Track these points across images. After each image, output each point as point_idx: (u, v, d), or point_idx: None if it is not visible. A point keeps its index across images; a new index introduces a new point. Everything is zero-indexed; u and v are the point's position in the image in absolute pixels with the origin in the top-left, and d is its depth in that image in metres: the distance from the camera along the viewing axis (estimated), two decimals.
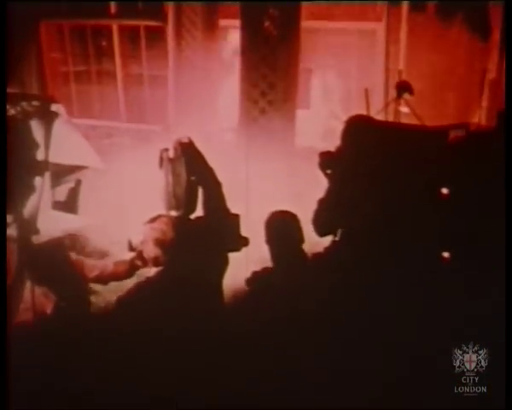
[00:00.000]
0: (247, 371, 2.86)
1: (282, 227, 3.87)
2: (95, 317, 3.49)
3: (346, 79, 7.74)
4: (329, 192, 3.90)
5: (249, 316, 3.35)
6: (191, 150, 3.85)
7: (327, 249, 3.83)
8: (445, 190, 3.55)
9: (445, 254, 3.38)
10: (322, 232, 3.87)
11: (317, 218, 3.87)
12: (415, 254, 3.41)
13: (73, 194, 5.33)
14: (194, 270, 3.57)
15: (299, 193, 6.00)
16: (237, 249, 3.88)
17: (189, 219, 3.89)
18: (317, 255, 3.84)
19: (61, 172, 4.89)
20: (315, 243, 3.92)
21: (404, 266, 3.32)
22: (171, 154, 4.14)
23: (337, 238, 3.82)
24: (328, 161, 3.99)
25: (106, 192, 6.54)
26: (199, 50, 7.43)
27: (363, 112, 5.95)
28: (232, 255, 3.81)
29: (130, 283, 3.82)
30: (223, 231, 3.72)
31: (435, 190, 3.56)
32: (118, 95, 8.82)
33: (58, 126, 4.38)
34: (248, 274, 3.94)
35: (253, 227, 4.03)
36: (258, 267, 3.97)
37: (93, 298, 4.02)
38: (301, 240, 3.87)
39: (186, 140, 3.94)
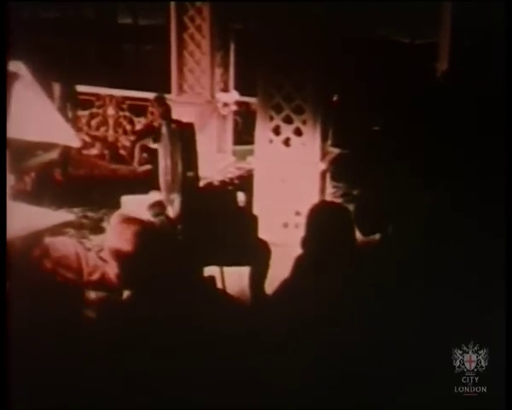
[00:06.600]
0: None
1: (333, 221, 3.74)
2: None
3: None
4: (378, 174, 3.79)
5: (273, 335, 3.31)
6: (191, 136, 3.72)
7: (372, 248, 3.78)
8: None
9: None
10: (367, 229, 3.81)
11: (363, 211, 3.84)
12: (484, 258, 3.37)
13: (41, 180, 5.27)
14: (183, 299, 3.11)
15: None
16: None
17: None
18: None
19: (23, 152, 4.83)
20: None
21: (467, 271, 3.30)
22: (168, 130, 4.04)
23: (386, 236, 3.79)
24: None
25: (85, 177, 6.47)
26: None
27: None
28: None
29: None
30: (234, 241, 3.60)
31: None
32: (98, 49, 8.73)
33: (19, 91, 4.32)
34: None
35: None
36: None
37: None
38: (354, 239, 3.78)
39: (186, 119, 3.84)
